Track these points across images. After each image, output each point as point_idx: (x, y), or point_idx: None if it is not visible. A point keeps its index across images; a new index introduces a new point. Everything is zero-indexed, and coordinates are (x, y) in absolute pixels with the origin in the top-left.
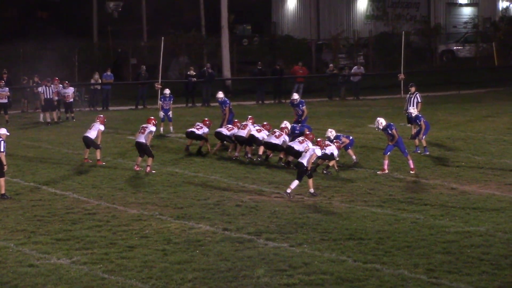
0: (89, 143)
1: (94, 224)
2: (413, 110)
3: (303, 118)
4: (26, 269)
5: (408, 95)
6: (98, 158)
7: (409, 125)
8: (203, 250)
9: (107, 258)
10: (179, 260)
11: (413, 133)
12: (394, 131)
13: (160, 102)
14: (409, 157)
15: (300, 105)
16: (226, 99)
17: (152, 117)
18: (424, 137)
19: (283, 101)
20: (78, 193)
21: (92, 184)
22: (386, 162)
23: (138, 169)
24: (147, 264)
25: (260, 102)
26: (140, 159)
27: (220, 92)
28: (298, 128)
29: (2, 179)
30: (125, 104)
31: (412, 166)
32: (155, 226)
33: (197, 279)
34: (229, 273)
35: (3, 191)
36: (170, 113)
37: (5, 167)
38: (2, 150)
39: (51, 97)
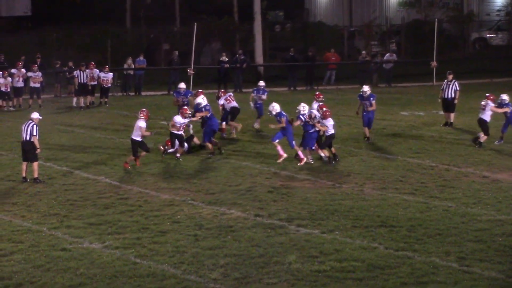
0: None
1: (126, 208)
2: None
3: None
4: (59, 253)
5: (445, 82)
6: (127, 161)
7: (442, 112)
8: (234, 236)
9: (139, 243)
10: (210, 245)
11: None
12: (283, 119)
13: (175, 98)
14: (296, 148)
15: (371, 98)
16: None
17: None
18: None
19: (315, 87)
20: (111, 178)
21: (124, 169)
22: (278, 148)
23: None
24: (179, 249)
25: (292, 88)
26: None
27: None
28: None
29: (36, 163)
30: (158, 89)
31: (301, 156)
32: (187, 211)
33: (228, 264)
34: (260, 259)
35: (36, 175)
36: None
37: (38, 151)
38: (34, 133)
39: (85, 81)
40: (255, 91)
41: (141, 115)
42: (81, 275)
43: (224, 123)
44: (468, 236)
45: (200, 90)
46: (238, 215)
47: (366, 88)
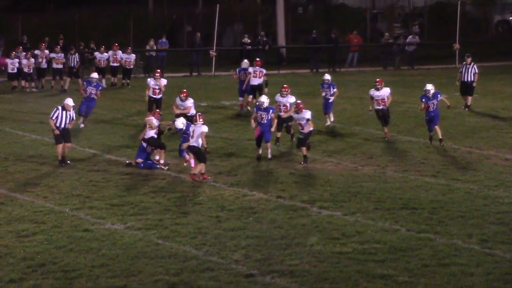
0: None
1: (148, 190)
2: (432, 88)
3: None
4: (81, 233)
5: (463, 65)
6: (203, 171)
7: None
8: (256, 217)
9: (161, 224)
10: (232, 227)
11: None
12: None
13: (83, 86)
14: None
15: (439, 96)
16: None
17: None
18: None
19: (338, 69)
20: (133, 159)
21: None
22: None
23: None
24: (201, 230)
25: (314, 70)
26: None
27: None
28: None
29: (68, 144)
30: (180, 71)
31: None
32: (209, 193)
33: (250, 246)
34: (282, 241)
35: (62, 156)
36: (94, 103)
37: (56, 132)
38: (50, 115)
39: (74, 65)
40: (321, 86)
41: (200, 119)
42: (103, 256)
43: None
44: (490, 219)
45: (158, 71)
46: (260, 196)
47: (429, 86)
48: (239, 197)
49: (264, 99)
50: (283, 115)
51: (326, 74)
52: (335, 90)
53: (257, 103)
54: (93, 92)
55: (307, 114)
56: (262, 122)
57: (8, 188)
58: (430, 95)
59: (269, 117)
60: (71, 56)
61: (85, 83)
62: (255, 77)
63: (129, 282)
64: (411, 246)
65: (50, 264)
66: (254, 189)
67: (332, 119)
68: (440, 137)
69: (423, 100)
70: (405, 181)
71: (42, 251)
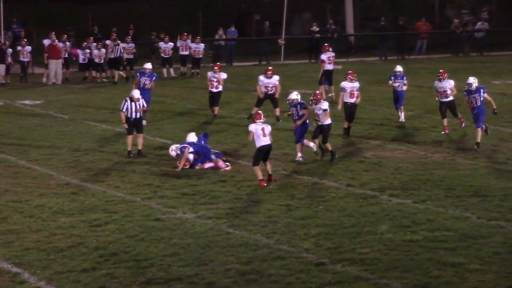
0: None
1: (218, 179)
2: (474, 81)
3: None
4: (153, 223)
5: None
6: (270, 172)
7: None
8: (326, 205)
9: (232, 213)
10: (303, 215)
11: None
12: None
13: (137, 78)
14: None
15: (482, 91)
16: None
17: None
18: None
19: (406, 57)
20: None
21: (216, 140)
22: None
23: None
24: (271, 219)
25: (383, 58)
26: None
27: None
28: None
29: (140, 135)
30: (249, 60)
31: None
32: (278, 181)
33: (320, 234)
34: (352, 229)
35: (139, 147)
36: (149, 94)
37: (124, 125)
38: (122, 108)
39: (119, 55)
40: (392, 78)
41: (263, 117)
42: (174, 245)
43: (325, 85)
44: None
45: (219, 64)
46: (329, 185)
47: (471, 79)
48: (308, 186)
49: (294, 96)
50: (357, 101)
51: (398, 66)
52: (405, 82)
53: (288, 100)
54: (147, 82)
55: (324, 104)
56: (294, 118)
57: (80, 178)
58: (473, 89)
59: (300, 113)
60: (115, 47)
61: (138, 74)
62: (329, 63)
63: (201, 271)
64: (482, 234)
65: (122, 253)
66: (324, 177)
67: (403, 117)
68: (478, 140)
69: (465, 93)
70: (475, 169)
71: (114, 241)
